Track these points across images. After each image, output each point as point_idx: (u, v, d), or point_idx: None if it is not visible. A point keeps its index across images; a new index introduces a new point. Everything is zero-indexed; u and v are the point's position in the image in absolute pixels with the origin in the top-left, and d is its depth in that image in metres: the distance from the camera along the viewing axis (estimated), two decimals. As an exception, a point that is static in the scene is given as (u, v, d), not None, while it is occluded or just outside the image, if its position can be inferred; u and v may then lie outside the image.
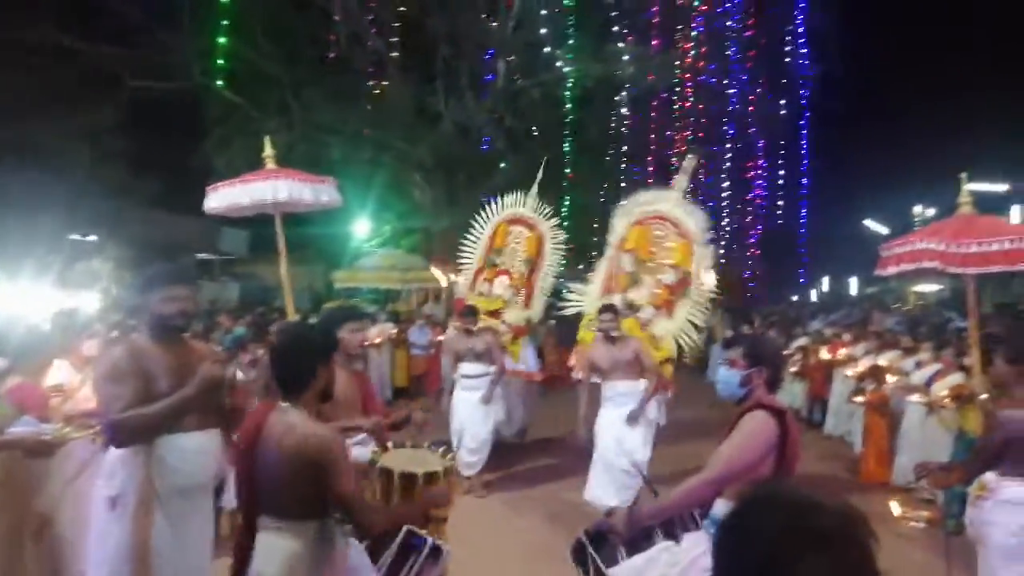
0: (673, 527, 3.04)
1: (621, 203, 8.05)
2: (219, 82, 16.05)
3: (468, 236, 8.46)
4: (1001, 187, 20.49)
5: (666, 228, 7.50)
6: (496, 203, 8.43)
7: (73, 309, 5.63)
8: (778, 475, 2.75)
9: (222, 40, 15.32)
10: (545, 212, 8.45)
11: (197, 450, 3.13)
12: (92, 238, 15.80)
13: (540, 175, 8.73)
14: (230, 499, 4.51)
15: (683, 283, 7.25)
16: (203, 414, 3.14)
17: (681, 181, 7.74)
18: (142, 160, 17.60)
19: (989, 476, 3.85)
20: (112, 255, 14.41)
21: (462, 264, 8.50)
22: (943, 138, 29.20)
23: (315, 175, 6.20)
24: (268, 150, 6.15)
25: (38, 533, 3.80)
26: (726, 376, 3.13)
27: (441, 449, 3.64)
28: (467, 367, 7.08)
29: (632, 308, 7.12)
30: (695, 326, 7.24)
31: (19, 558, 3.69)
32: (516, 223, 8.38)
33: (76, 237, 15.49)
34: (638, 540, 2.94)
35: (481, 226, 8.45)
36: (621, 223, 7.67)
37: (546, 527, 6.15)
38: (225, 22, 15.47)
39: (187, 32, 15.97)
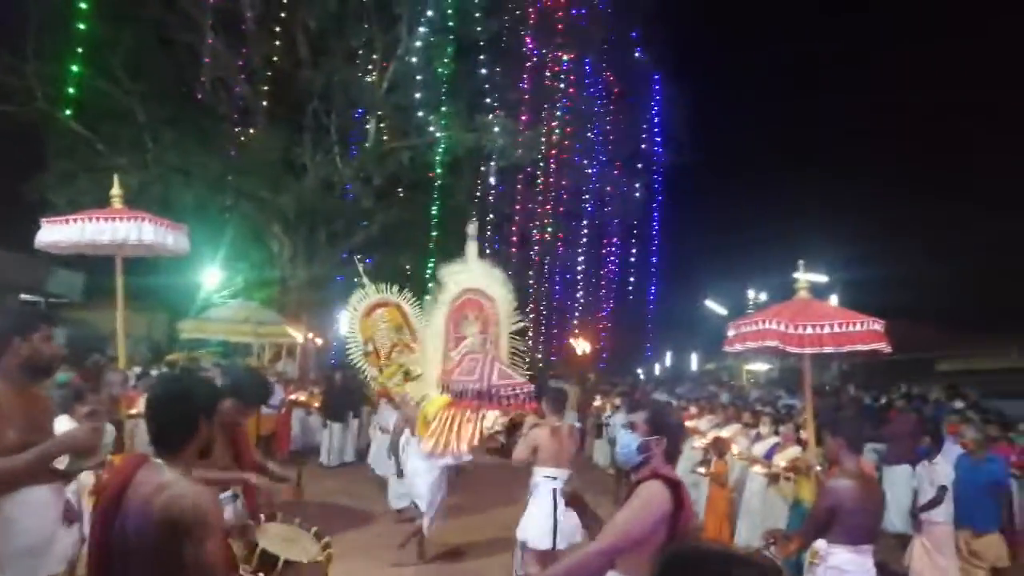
0: None
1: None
2: (66, 111, 14.96)
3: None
4: (823, 277, 22.60)
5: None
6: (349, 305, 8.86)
7: None
8: (671, 544, 2.75)
9: (74, 68, 14.37)
10: (384, 289, 8.89)
11: (43, 503, 2.86)
12: None
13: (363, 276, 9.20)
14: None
15: None
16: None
17: (471, 248, 7.92)
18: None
19: (820, 543, 4.15)
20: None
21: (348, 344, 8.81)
22: (773, 231, 32.14)
23: (166, 220, 5.94)
24: (116, 189, 5.95)
25: None
26: (627, 440, 3.08)
27: (314, 531, 3.41)
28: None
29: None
30: None
31: None
32: (372, 311, 8.77)
33: None
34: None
35: (352, 331, 8.84)
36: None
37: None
38: (79, 49, 14.56)
39: (31, 54, 14.88)
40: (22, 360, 2.91)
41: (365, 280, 8.91)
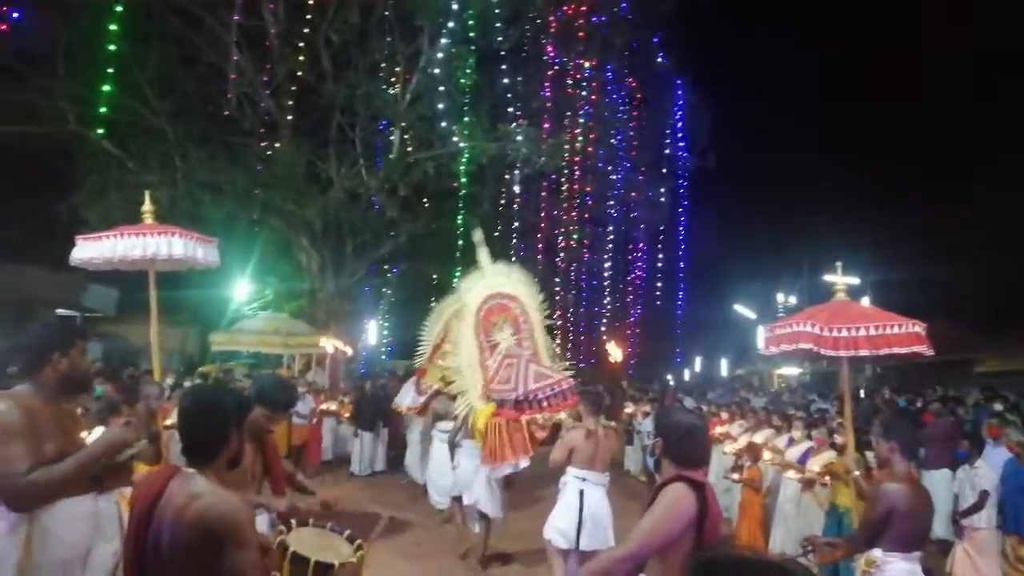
0: None
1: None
2: (99, 131, 15.26)
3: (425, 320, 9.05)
4: (855, 279, 22.32)
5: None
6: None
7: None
8: (698, 550, 2.69)
9: (105, 88, 14.66)
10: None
11: (81, 516, 2.88)
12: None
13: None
14: None
15: None
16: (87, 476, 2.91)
17: (482, 255, 8.02)
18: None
19: (877, 552, 4.01)
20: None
21: (420, 341, 8.98)
22: (801, 234, 31.82)
23: (196, 233, 6.04)
24: (147, 205, 6.06)
25: None
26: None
27: (347, 534, 3.42)
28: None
29: None
30: None
31: None
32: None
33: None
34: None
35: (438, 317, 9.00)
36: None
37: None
38: (108, 70, 14.86)
39: (62, 76, 15.22)
40: (60, 375, 2.98)
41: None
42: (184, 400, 2.64)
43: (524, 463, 6.76)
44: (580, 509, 5.56)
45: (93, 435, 3.97)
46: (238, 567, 2.24)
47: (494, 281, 7.69)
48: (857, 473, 5.37)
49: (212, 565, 2.23)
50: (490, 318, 7.55)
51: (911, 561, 4.00)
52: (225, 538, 2.23)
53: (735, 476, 8.52)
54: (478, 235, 8.35)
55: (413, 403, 9.70)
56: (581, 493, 5.62)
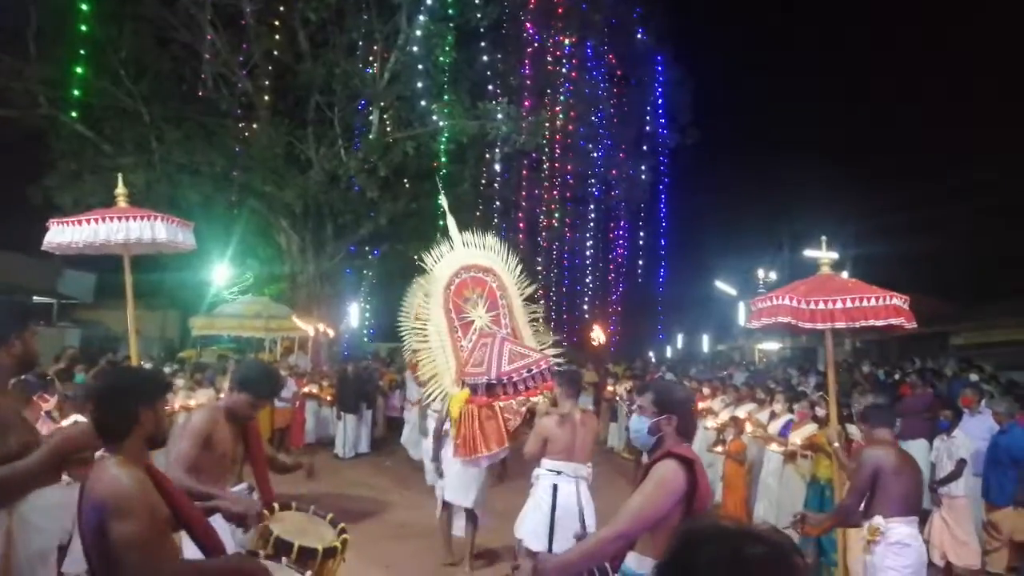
0: None
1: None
2: (72, 114, 14.99)
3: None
4: (834, 254, 22.47)
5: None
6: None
7: None
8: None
9: (77, 70, 14.37)
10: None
11: (58, 504, 2.83)
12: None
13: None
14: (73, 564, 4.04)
15: None
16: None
17: (450, 224, 7.43)
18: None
19: (879, 520, 4.09)
20: (-69, 295, 12.92)
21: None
22: (781, 210, 31.97)
23: (169, 216, 5.92)
24: (120, 188, 5.89)
25: None
26: (637, 424, 3.07)
27: (329, 517, 3.42)
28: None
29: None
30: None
31: None
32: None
33: None
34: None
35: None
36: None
37: None
38: (81, 51, 14.56)
39: (34, 58, 14.90)
40: (15, 359, 2.89)
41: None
42: (94, 382, 2.66)
43: (501, 453, 6.35)
44: (553, 507, 5.09)
45: (72, 420, 3.93)
46: (127, 535, 2.25)
47: (463, 253, 7.06)
48: (837, 445, 5.43)
49: (106, 537, 2.27)
50: (462, 293, 6.99)
51: (911, 525, 4.10)
52: (109, 514, 2.27)
53: (719, 449, 8.61)
54: (444, 201, 7.80)
55: (421, 396, 9.71)
56: (554, 488, 5.15)
